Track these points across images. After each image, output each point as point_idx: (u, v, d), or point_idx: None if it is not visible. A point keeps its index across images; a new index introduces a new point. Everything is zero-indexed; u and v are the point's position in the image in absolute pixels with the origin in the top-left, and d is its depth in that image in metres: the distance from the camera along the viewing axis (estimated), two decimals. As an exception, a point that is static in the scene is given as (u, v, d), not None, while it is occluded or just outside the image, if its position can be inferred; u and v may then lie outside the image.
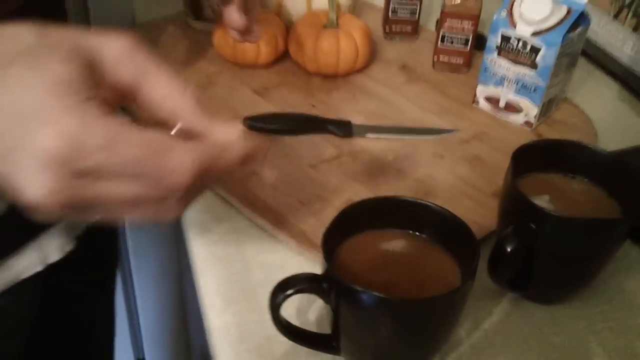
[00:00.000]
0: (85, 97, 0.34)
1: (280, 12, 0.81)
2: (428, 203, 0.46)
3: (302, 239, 0.55)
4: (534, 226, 0.47)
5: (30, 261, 0.62)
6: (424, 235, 0.47)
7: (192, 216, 0.60)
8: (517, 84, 0.69)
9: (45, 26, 0.36)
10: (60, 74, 0.34)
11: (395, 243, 0.47)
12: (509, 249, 0.46)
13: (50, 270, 0.65)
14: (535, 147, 0.53)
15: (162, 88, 0.38)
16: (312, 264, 0.55)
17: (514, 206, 0.49)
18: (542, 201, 0.50)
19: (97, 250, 0.75)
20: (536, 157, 0.52)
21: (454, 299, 0.41)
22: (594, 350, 0.50)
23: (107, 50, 0.37)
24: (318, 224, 0.57)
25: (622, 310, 0.53)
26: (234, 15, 0.59)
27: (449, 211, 0.45)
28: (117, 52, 0.37)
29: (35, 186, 0.33)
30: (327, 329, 0.46)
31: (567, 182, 0.53)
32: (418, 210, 0.46)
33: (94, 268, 0.77)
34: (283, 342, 0.46)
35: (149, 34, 0.84)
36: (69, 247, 0.66)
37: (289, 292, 0.42)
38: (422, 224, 0.47)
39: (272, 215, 0.57)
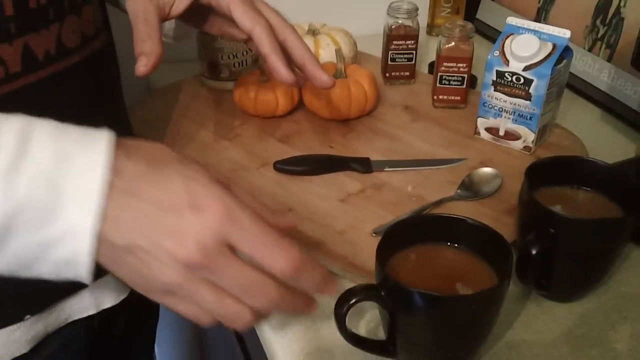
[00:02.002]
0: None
1: (291, 67, 0.89)
2: (463, 217, 0.53)
3: (344, 263, 0.62)
4: (552, 230, 0.54)
5: (84, 304, 0.67)
6: (461, 246, 0.53)
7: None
8: (514, 114, 0.77)
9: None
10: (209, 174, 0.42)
11: (438, 254, 0.53)
12: (533, 252, 0.53)
13: (103, 315, 0.70)
14: (545, 163, 0.60)
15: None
16: (351, 284, 0.61)
17: (533, 215, 0.56)
18: (555, 210, 0.57)
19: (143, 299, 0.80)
20: (546, 172, 0.60)
21: (495, 294, 0.48)
22: (613, 337, 0.56)
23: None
24: (355, 249, 0.63)
25: (632, 301, 0.60)
26: (282, 72, 0.64)
27: (482, 223, 0.52)
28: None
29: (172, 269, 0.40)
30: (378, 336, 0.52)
31: (574, 192, 0.60)
32: (455, 225, 0.53)
33: (140, 316, 0.82)
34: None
35: (166, 96, 0.91)
36: (123, 295, 0.71)
37: (352, 301, 0.48)
38: (459, 237, 0.53)
39: (314, 245, 0.64)
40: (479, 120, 0.80)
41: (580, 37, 0.96)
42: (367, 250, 0.63)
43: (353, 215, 0.68)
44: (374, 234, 0.65)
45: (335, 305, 0.49)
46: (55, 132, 0.40)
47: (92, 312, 0.68)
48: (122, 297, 0.71)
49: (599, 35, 0.93)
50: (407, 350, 0.51)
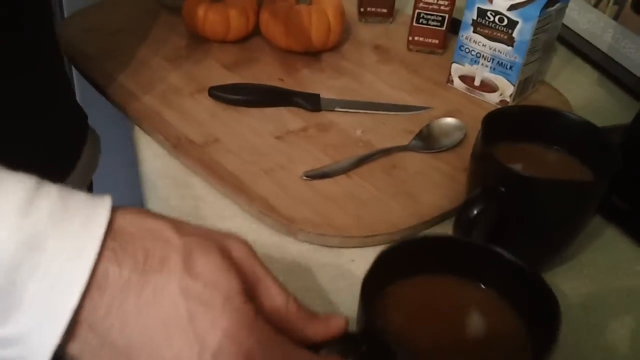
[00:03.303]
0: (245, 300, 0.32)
1: (253, -13, 0.79)
2: (496, 249, 0.38)
3: (263, 205, 0.53)
4: (503, 189, 0.44)
5: None
6: (485, 286, 0.39)
7: (151, 181, 0.57)
8: (492, 61, 0.67)
9: (180, 222, 0.34)
10: (228, 287, 0.31)
11: (451, 293, 0.39)
12: (475, 212, 0.44)
13: None
14: (507, 113, 0.51)
15: (272, 300, 0.35)
16: (272, 232, 0.52)
17: (483, 169, 0.47)
18: (510, 166, 0.48)
19: None
20: (508, 124, 0.50)
21: None
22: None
23: (234, 252, 0.34)
24: (280, 191, 0.54)
25: (595, 285, 0.51)
26: None
27: (524, 263, 0.37)
28: (241, 254, 0.34)
29: None
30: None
31: (540, 151, 0.50)
32: (480, 255, 0.38)
33: None
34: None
35: (113, 7, 0.81)
36: None
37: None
38: (484, 272, 0.39)
39: (232, 181, 0.55)
40: (454, 66, 0.70)
41: (586, -9, 0.85)
42: (292, 194, 0.54)
43: (286, 154, 0.59)
44: (304, 177, 0.56)
45: None
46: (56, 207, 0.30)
47: None
48: None
49: (607, -10, 0.82)
50: None
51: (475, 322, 0.38)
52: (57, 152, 0.57)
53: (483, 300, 0.38)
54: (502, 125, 0.48)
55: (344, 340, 0.35)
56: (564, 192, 0.44)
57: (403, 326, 0.36)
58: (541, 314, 0.35)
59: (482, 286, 0.39)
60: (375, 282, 0.36)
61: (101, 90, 0.67)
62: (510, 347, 0.36)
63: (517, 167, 0.49)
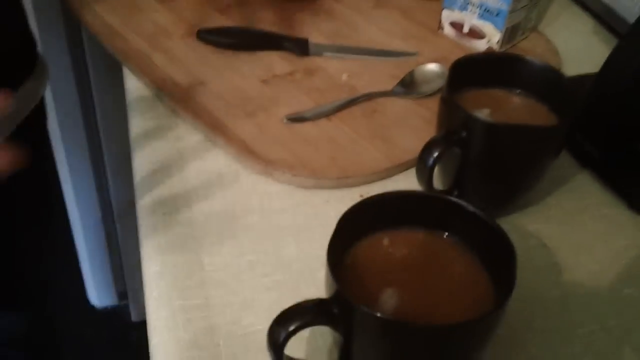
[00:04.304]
0: None
1: None
2: (459, 202, 0.39)
3: (241, 147, 0.55)
4: (464, 134, 0.46)
5: None
6: (448, 236, 0.40)
7: (136, 122, 0.59)
8: (480, 7, 0.67)
9: None
10: None
11: (416, 245, 0.40)
12: (435, 154, 0.45)
13: None
14: (475, 60, 0.51)
15: None
16: (249, 172, 0.55)
17: (448, 114, 0.48)
18: (481, 115, 0.49)
19: None
20: (476, 70, 0.51)
21: (487, 322, 0.34)
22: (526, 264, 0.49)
23: None
24: (260, 134, 0.56)
25: (560, 227, 0.52)
26: None
27: (480, 210, 0.38)
28: None
29: None
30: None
31: (507, 97, 0.51)
32: (443, 208, 0.39)
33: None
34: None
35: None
36: None
37: (292, 327, 0.34)
38: (446, 223, 0.40)
39: (213, 123, 0.57)
40: (444, 12, 0.70)
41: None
42: (271, 136, 0.56)
43: (270, 97, 0.61)
44: (285, 121, 0.58)
45: (268, 332, 0.35)
46: None
47: None
48: None
49: None
50: None
51: (440, 271, 0.39)
52: None
53: (446, 250, 0.40)
54: (470, 71, 0.49)
55: (315, 307, 0.35)
56: (521, 136, 0.45)
57: (371, 284, 0.37)
58: (500, 258, 0.36)
59: (445, 236, 0.40)
60: (340, 245, 0.37)
61: (90, 29, 0.68)
62: (474, 292, 0.37)
63: (484, 112, 0.50)
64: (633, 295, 0.48)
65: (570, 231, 0.52)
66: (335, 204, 0.53)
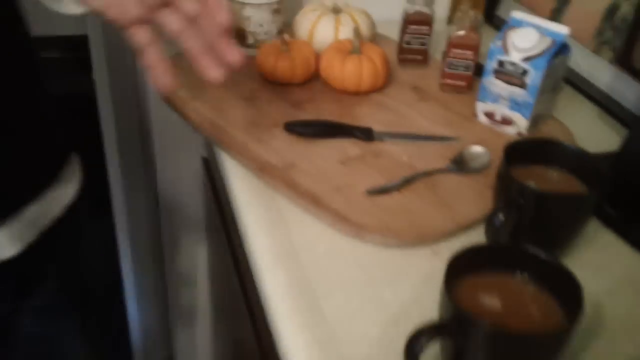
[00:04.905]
0: None
1: (311, 40, 0.96)
2: (533, 253, 0.52)
3: (337, 216, 0.69)
4: (522, 201, 0.60)
5: None
6: (528, 278, 0.53)
7: (242, 197, 0.74)
8: (510, 101, 0.83)
9: None
10: None
11: (502, 284, 0.53)
12: (501, 217, 0.60)
13: None
14: (523, 143, 0.67)
15: None
16: (343, 237, 0.68)
17: (506, 186, 0.63)
18: (532, 185, 0.64)
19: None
20: (523, 151, 0.66)
21: (564, 337, 0.47)
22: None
23: None
24: (348, 205, 0.70)
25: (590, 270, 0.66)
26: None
27: (556, 258, 0.52)
28: None
29: None
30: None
31: (548, 172, 0.66)
32: (523, 256, 0.53)
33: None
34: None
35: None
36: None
37: (425, 341, 0.47)
38: (525, 268, 0.53)
39: (310, 197, 0.71)
40: (478, 104, 0.87)
41: (589, 38, 1.01)
42: (359, 206, 0.71)
43: (350, 176, 0.75)
44: (367, 193, 0.72)
45: (406, 346, 0.48)
46: None
47: None
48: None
49: (605, 39, 0.98)
50: None
51: (523, 303, 0.52)
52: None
53: (525, 287, 0.53)
54: (518, 152, 0.65)
55: (437, 326, 0.48)
56: (564, 202, 0.60)
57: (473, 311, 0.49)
58: (567, 293, 0.49)
59: (521, 276, 0.53)
60: (448, 279, 0.50)
61: (193, 124, 0.84)
62: (548, 317, 0.49)
63: (531, 184, 0.65)
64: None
65: (598, 278, 0.66)
66: (413, 260, 0.67)
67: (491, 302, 0.51)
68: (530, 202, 0.60)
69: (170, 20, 0.61)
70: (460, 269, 0.51)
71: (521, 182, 0.61)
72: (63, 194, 0.78)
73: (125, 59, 1.30)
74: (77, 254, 0.84)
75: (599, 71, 0.99)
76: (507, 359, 0.48)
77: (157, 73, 0.62)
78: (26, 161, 0.73)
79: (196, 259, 1.35)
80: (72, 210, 0.79)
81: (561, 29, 0.80)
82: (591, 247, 0.69)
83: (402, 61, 1.00)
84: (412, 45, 0.99)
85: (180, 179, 1.26)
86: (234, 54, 0.62)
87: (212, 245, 1.22)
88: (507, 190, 0.63)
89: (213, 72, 0.62)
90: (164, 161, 1.24)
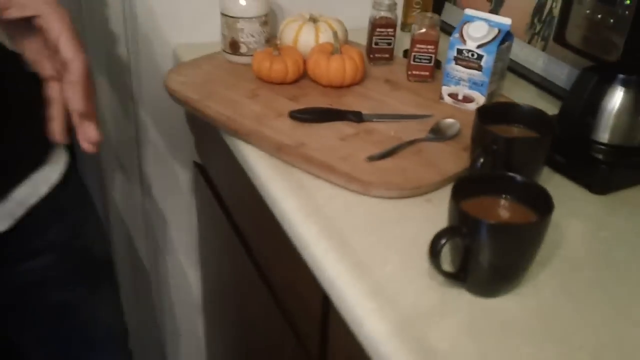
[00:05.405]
0: None
1: (296, 45, 1.12)
2: (511, 175, 0.70)
3: (347, 177, 0.85)
4: (495, 147, 0.78)
5: None
6: (510, 197, 0.70)
7: (265, 174, 0.89)
8: (469, 82, 1.02)
9: None
10: None
11: (491, 202, 0.70)
12: (480, 161, 0.77)
13: None
14: (491, 106, 0.85)
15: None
16: (354, 193, 0.85)
17: (481, 138, 0.81)
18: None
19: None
20: (491, 113, 0.84)
21: (541, 226, 0.66)
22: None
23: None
24: (355, 169, 0.87)
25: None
26: (76, 98, 0.70)
27: (530, 179, 0.71)
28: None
29: None
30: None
31: (510, 128, 0.85)
32: (503, 179, 0.70)
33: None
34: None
35: (196, 65, 1.14)
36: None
37: (443, 241, 0.64)
38: (506, 189, 0.70)
39: (323, 165, 0.87)
40: (443, 87, 1.05)
41: (522, 33, 1.22)
42: (364, 169, 0.87)
43: (351, 148, 0.92)
44: (367, 160, 0.89)
45: (430, 245, 0.65)
46: None
47: None
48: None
49: (536, 31, 1.19)
50: (474, 274, 0.67)
51: (507, 214, 0.70)
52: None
53: (511, 204, 0.71)
54: (488, 113, 0.83)
55: (453, 229, 0.65)
56: (526, 144, 0.79)
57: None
58: (540, 203, 0.68)
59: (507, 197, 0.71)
60: (454, 198, 0.67)
61: (209, 120, 0.99)
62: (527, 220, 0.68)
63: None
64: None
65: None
66: (410, 207, 0.84)
67: (485, 215, 0.68)
68: (502, 146, 0.78)
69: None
70: (460, 192, 0.68)
71: (494, 132, 0.79)
72: (49, 175, 0.91)
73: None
74: (70, 227, 0.96)
75: (534, 58, 1.20)
76: (502, 247, 0.65)
77: (54, 126, 0.73)
78: (14, 147, 0.84)
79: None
80: (60, 189, 0.91)
81: (505, 21, 0.99)
82: (547, 186, 0.88)
83: (372, 59, 1.18)
84: (380, 45, 1.17)
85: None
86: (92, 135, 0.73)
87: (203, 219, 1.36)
88: (482, 140, 0.81)
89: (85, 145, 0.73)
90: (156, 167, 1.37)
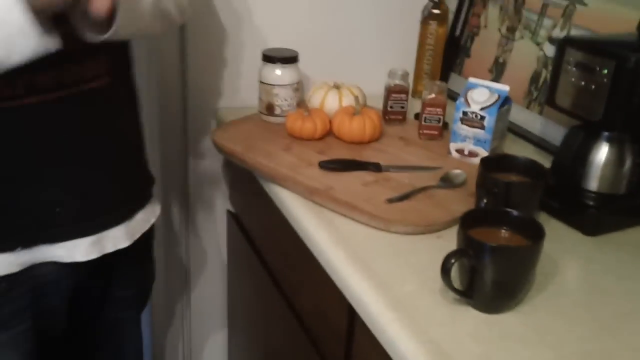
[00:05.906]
0: None
1: (322, 108, 1.29)
2: (509, 210, 0.84)
3: (370, 215, 1.00)
4: (496, 190, 0.93)
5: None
6: (508, 228, 0.84)
7: (299, 213, 1.04)
8: (474, 139, 1.18)
9: None
10: None
11: (492, 232, 0.84)
12: (485, 201, 0.92)
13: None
14: (491, 158, 1.00)
15: None
16: (376, 230, 0.99)
17: (484, 183, 0.96)
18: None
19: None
20: (492, 163, 0.99)
21: (535, 249, 0.80)
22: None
23: None
24: (376, 209, 1.01)
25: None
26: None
27: (526, 214, 0.84)
28: None
29: None
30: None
31: (508, 175, 1.00)
32: (502, 214, 0.84)
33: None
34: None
35: (237, 124, 1.31)
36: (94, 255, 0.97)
37: (453, 260, 0.77)
38: (505, 222, 0.84)
39: (349, 205, 1.02)
40: (451, 144, 1.21)
41: (521, 99, 1.38)
42: (384, 209, 1.02)
43: (372, 192, 1.07)
44: (387, 201, 1.04)
45: (442, 264, 0.78)
46: None
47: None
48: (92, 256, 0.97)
49: (533, 97, 1.36)
50: (480, 291, 0.80)
51: (506, 240, 0.84)
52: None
53: (507, 233, 0.85)
54: (489, 163, 0.98)
55: (461, 250, 0.80)
56: (523, 186, 0.93)
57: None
58: (533, 233, 0.82)
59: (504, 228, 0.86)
60: (462, 227, 0.82)
61: (251, 168, 1.14)
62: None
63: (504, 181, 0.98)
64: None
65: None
66: (426, 241, 0.98)
67: (487, 240, 0.82)
68: (501, 188, 0.93)
69: None
70: (467, 223, 0.83)
71: (495, 177, 0.94)
72: (155, 207, 1.09)
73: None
74: (150, 258, 1.14)
75: (532, 121, 1.36)
76: (502, 266, 0.79)
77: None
78: (145, 175, 1.06)
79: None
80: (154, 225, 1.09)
81: (504, 87, 1.16)
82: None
83: (388, 120, 1.35)
84: (394, 108, 1.34)
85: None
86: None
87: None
88: (485, 184, 0.95)
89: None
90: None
